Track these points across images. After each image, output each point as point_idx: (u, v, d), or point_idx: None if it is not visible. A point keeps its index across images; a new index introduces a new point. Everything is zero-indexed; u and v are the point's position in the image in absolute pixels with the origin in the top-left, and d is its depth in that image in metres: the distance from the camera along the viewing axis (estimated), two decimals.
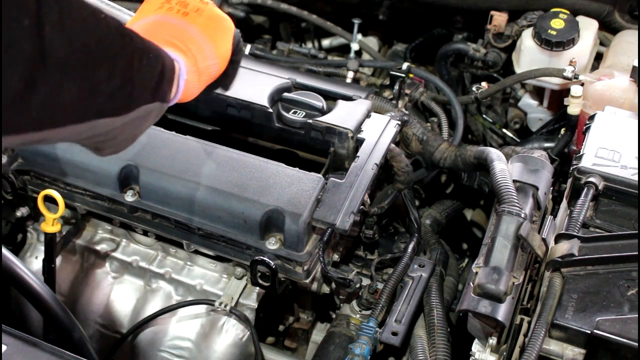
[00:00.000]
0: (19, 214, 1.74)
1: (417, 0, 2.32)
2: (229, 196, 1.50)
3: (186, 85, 1.07)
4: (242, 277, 1.65)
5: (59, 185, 1.65)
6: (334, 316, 1.78)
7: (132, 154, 1.57)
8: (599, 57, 2.08)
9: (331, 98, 1.78)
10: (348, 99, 1.78)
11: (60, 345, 1.20)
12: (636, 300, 1.22)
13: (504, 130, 2.30)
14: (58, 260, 1.65)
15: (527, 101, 2.23)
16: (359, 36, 2.32)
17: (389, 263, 1.74)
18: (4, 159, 1.67)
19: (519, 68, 2.07)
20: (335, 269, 1.62)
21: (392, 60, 2.33)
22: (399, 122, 1.73)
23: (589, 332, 1.18)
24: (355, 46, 2.29)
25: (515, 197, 1.40)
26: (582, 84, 1.86)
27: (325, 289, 1.63)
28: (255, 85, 1.76)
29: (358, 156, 1.61)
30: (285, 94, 1.75)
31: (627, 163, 1.45)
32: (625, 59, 1.94)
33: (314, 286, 1.60)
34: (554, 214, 1.59)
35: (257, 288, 1.64)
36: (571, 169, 1.49)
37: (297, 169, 1.55)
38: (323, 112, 1.71)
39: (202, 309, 1.66)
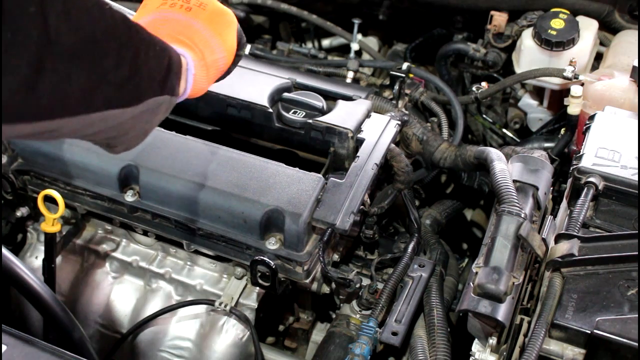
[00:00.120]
0: (19, 214, 1.74)
1: (417, 0, 2.32)
2: (229, 196, 1.50)
3: (195, 80, 1.08)
4: (242, 277, 1.65)
5: (59, 185, 1.65)
6: (334, 316, 1.78)
7: (132, 154, 1.57)
8: (599, 57, 2.08)
9: (331, 98, 1.79)
10: (348, 99, 1.78)
11: (60, 345, 1.20)
12: (636, 300, 1.22)
13: (504, 130, 2.30)
14: (58, 260, 1.65)
15: (527, 101, 2.23)
16: (359, 36, 2.32)
17: (389, 263, 1.74)
18: (4, 159, 1.67)
19: (519, 68, 2.07)
20: (335, 269, 1.62)
21: (392, 60, 2.33)
22: (399, 122, 1.73)
23: (589, 332, 1.18)
24: (355, 46, 2.29)
25: (515, 197, 1.40)
26: (582, 84, 1.86)
27: (325, 289, 1.63)
28: (255, 85, 1.76)
29: (358, 156, 1.61)
30: (285, 94, 1.75)
31: (627, 163, 1.45)
32: (625, 59, 1.94)
33: (314, 286, 1.60)
34: (554, 214, 1.59)
35: (257, 288, 1.64)
36: (571, 169, 1.49)
37: (297, 169, 1.55)
38: (323, 112, 1.71)
39: (202, 309, 1.66)
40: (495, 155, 1.58)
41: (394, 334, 1.51)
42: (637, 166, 1.44)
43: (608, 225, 1.39)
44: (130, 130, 0.97)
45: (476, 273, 1.31)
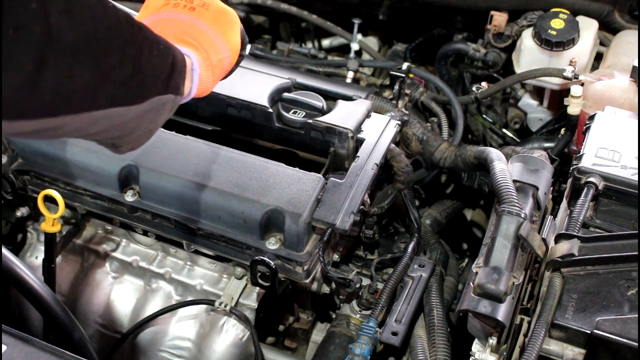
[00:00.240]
0: (19, 214, 1.74)
1: (417, 0, 2.32)
2: (229, 196, 1.50)
3: (200, 79, 1.08)
4: (242, 277, 1.65)
5: (59, 185, 1.65)
6: (334, 316, 1.78)
7: (132, 154, 1.56)
8: (599, 57, 2.08)
9: (331, 98, 1.79)
10: (348, 99, 1.78)
11: (60, 345, 1.20)
12: (636, 300, 1.22)
13: (504, 130, 2.30)
14: (58, 260, 1.65)
15: (527, 101, 2.23)
16: (359, 36, 2.32)
17: (389, 263, 1.74)
18: (4, 159, 1.67)
19: (519, 68, 2.07)
20: (335, 269, 1.62)
21: (392, 60, 2.33)
22: (399, 122, 1.73)
23: (589, 332, 1.18)
24: (355, 46, 2.29)
25: (515, 197, 1.40)
26: (582, 84, 1.86)
27: (325, 289, 1.63)
28: (255, 85, 1.76)
29: (358, 156, 1.61)
30: (285, 94, 1.75)
31: (627, 163, 1.45)
32: (625, 59, 1.94)
33: (314, 286, 1.60)
34: (554, 214, 1.59)
35: (257, 288, 1.64)
36: (571, 169, 1.49)
37: (297, 169, 1.55)
38: (323, 112, 1.71)
39: (202, 309, 1.66)
40: (495, 155, 1.58)
41: (394, 334, 1.51)
42: (637, 166, 1.44)
43: (608, 225, 1.39)
44: (135, 129, 0.97)
45: (476, 273, 1.31)
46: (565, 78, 1.88)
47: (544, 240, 1.36)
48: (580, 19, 2.04)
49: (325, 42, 2.68)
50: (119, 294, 1.73)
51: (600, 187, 1.41)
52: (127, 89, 0.88)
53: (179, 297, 1.70)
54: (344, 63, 2.18)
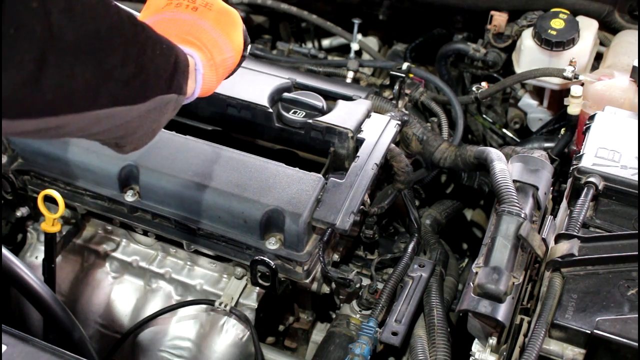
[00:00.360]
0: (19, 214, 1.74)
1: (417, 0, 2.32)
2: (229, 196, 1.50)
3: (204, 79, 1.08)
4: (242, 277, 1.65)
5: (59, 185, 1.65)
6: (334, 316, 1.78)
7: (132, 153, 1.57)
8: (599, 57, 2.08)
9: (331, 98, 1.79)
10: (348, 99, 1.78)
11: (60, 345, 1.20)
12: (636, 300, 1.22)
13: (504, 130, 2.30)
14: (58, 260, 1.65)
15: (527, 101, 2.23)
16: (359, 36, 2.32)
17: (389, 263, 1.74)
18: (4, 159, 1.67)
19: (519, 68, 2.07)
20: (335, 269, 1.62)
21: (392, 60, 2.33)
22: (399, 122, 1.74)
23: (589, 332, 1.18)
24: (355, 46, 2.29)
25: (515, 197, 1.40)
26: (582, 84, 1.86)
27: (325, 289, 1.63)
28: (255, 85, 1.76)
29: (358, 156, 1.61)
30: (285, 94, 1.75)
31: (627, 163, 1.45)
32: (625, 59, 1.94)
33: (314, 286, 1.60)
34: (554, 214, 1.59)
35: (257, 288, 1.64)
36: (571, 169, 1.49)
37: (297, 169, 1.55)
38: (323, 112, 1.71)
39: (202, 309, 1.66)
40: (495, 155, 1.58)
41: (394, 334, 1.51)
42: (637, 166, 1.44)
43: (608, 225, 1.39)
44: (138, 129, 0.97)
45: (476, 273, 1.31)
46: (565, 78, 1.88)
47: (544, 240, 1.36)
48: (580, 19, 2.04)
49: (325, 42, 2.68)
50: (119, 294, 1.73)
51: (600, 187, 1.41)
52: (129, 89, 0.88)
53: (179, 297, 1.70)
54: (344, 63, 2.19)
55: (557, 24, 1.99)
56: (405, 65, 1.99)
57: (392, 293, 1.61)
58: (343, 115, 1.68)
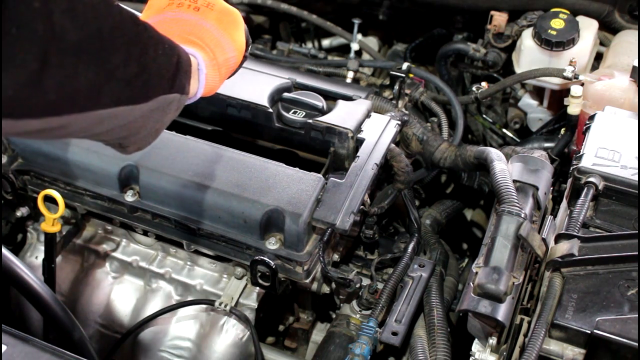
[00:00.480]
0: (19, 214, 1.74)
1: (417, 0, 2.32)
2: (229, 196, 1.50)
3: (207, 79, 1.08)
4: (242, 277, 1.65)
5: (59, 185, 1.65)
6: (334, 316, 1.78)
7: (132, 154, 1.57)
8: (599, 57, 2.08)
9: (331, 98, 1.79)
10: (348, 99, 1.78)
11: (60, 345, 1.20)
12: (636, 300, 1.22)
13: (504, 130, 2.30)
14: (58, 260, 1.65)
15: (527, 101, 2.23)
16: (359, 36, 2.32)
17: (389, 263, 1.74)
18: (4, 159, 1.67)
19: (519, 68, 2.07)
20: (335, 269, 1.62)
21: (392, 60, 2.33)
22: (399, 122, 1.74)
23: (589, 332, 1.18)
24: (355, 46, 2.29)
25: (515, 197, 1.40)
26: (582, 84, 1.86)
27: (325, 289, 1.63)
28: (255, 85, 1.76)
29: (358, 156, 1.61)
30: (285, 94, 1.75)
31: (627, 163, 1.45)
32: (625, 59, 1.94)
33: (314, 286, 1.60)
34: (554, 214, 1.59)
35: (257, 288, 1.64)
36: (571, 169, 1.49)
37: (297, 169, 1.55)
38: (323, 112, 1.71)
39: (202, 309, 1.66)
40: (495, 155, 1.58)
41: (394, 334, 1.51)
42: (637, 166, 1.44)
43: (608, 225, 1.39)
44: (141, 129, 0.97)
45: (476, 273, 1.31)
46: (565, 78, 1.88)
47: (544, 240, 1.36)
48: (580, 19, 2.04)
49: (325, 42, 2.68)
50: (119, 294, 1.73)
51: (600, 187, 1.41)
52: (132, 88, 0.88)
53: (179, 297, 1.70)
54: (344, 63, 2.19)
55: (557, 24, 1.99)
56: (405, 65, 2.00)
57: (392, 293, 1.61)
58: (343, 115, 1.68)
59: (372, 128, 1.68)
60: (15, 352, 1.14)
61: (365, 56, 2.43)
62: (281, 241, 1.51)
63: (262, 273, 1.50)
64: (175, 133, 1.63)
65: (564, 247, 1.30)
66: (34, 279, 1.32)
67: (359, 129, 1.66)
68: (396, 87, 1.92)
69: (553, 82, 2.03)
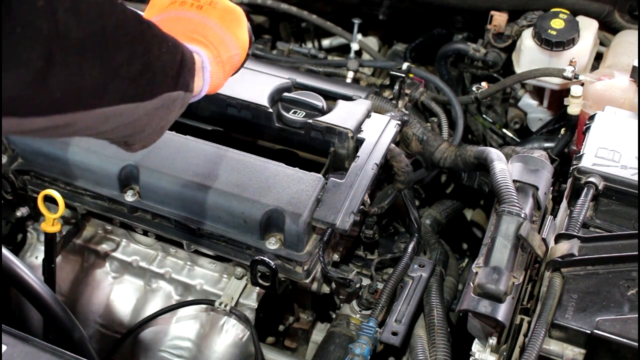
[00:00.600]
0: (19, 214, 1.74)
1: (417, 0, 2.32)
2: (229, 196, 1.50)
3: (212, 77, 1.09)
4: (242, 277, 1.65)
5: (59, 185, 1.65)
6: (334, 316, 1.78)
7: (132, 154, 1.57)
8: (599, 57, 2.08)
9: (331, 98, 1.79)
10: (348, 99, 1.78)
11: (60, 345, 1.20)
12: (636, 300, 1.22)
13: (504, 130, 2.30)
14: (58, 260, 1.65)
15: (527, 101, 2.23)
16: (359, 36, 2.32)
17: (389, 263, 1.74)
18: (4, 159, 1.67)
19: (519, 68, 2.07)
20: (335, 269, 1.62)
21: (392, 60, 2.33)
22: (399, 122, 1.73)
23: (589, 332, 1.18)
24: (355, 46, 2.29)
25: (515, 197, 1.40)
26: (582, 84, 1.86)
27: (325, 289, 1.63)
28: (255, 85, 1.76)
29: (358, 156, 1.61)
30: (285, 94, 1.75)
31: (627, 163, 1.45)
32: (625, 59, 1.94)
33: (314, 286, 1.60)
34: (554, 214, 1.59)
35: (257, 288, 1.64)
36: (571, 169, 1.49)
37: (297, 169, 1.55)
38: (323, 112, 1.71)
39: (202, 309, 1.66)
40: (495, 155, 1.58)
41: (394, 334, 1.51)
42: (637, 166, 1.44)
43: (608, 225, 1.39)
44: (146, 127, 0.98)
45: (476, 273, 1.31)
46: (565, 78, 1.88)
47: (544, 240, 1.36)
48: (580, 19, 2.04)
49: (325, 42, 2.68)
50: (119, 294, 1.73)
51: (600, 187, 1.41)
52: (136, 86, 0.89)
53: (179, 297, 1.70)
54: (344, 63, 2.19)
55: (557, 24, 1.99)
56: (405, 65, 2.00)
57: (392, 293, 1.61)
58: (343, 115, 1.68)
59: (372, 128, 1.68)
60: (15, 352, 1.14)
61: (365, 56, 2.43)
62: (281, 241, 1.51)
63: (262, 273, 1.50)
64: (175, 133, 1.63)
65: (564, 247, 1.30)
66: (34, 279, 1.32)
67: (359, 129, 1.66)
68: (396, 87, 1.92)
69: (553, 82, 2.03)
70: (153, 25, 0.92)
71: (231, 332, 1.63)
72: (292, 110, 1.72)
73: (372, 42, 2.55)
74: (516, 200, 1.39)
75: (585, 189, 1.41)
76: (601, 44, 2.13)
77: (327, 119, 1.67)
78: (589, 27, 2.04)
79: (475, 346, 1.34)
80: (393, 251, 1.77)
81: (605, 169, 1.44)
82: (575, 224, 1.35)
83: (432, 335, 1.52)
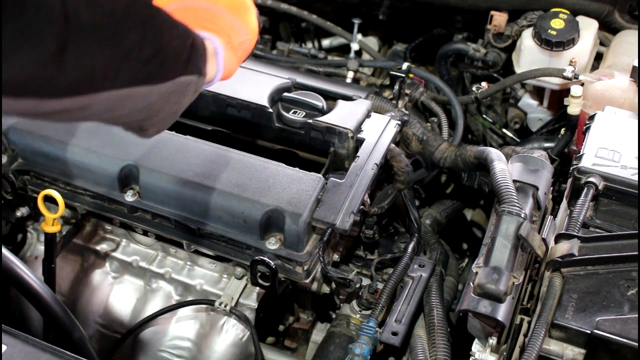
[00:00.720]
0: (19, 214, 1.74)
1: (417, 0, 2.32)
2: (229, 196, 1.50)
3: (225, 62, 1.10)
4: (242, 277, 1.65)
5: (59, 185, 1.65)
6: (334, 316, 1.78)
7: (132, 154, 1.58)
8: (599, 57, 2.08)
9: (331, 98, 1.79)
10: (348, 99, 1.78)
11: (60, 345, 1.20)
12: (636, 300, 1.22)
13: (504, 130, 2.30)
14: (58, 260, 1.65)
15: (527, 101, 2.23)
16: (359, 36, 2.32)
17: (389, 263, 1.74)
18: (4, 159, 1.67)
19: (519, 68, 2.07)
20: (335, 269, 1.62)
21: (392, 60, 2.33)
22: (399, 122, 1.73)
23: (589, 332, 1.18)
24: (355, 46, 2.29)
25: (515, 197, 1.40)
26: (582, 84, 1.86)
27: (325, 289, 1.63)
28: (255, 85, 1.76)
29: (358, 156, 1.61)
30: (285, 94, 1.75)
31: (627, 163, 1.45)
32: (625, 59, 1.94)
33: (314, 286, 1.60)
34: (554, 214, 1.59)
35: (257, 288, 1.64)
36: (571, 169, 1.49)
37: (297, 169, 1.55)
38: (323, 112, 1.71)
39: (202, 309, 1.66)
40: (495, 155, 1.58)
41: (394, 334, 1.51)
42: (637, 166, 1.44)
43: (608, 225, 1.39)
44: (160, 111, 0.99)
45: (476, 273, 1.31)
46: (565, 78, 1.88)
47: (544, 240, 1.36)
48: (580, 19, 2.04)
49: (325, 42, 2.68)
50: (119, 294, 1.73)
51: (600, 187, 1.41)
52: (148, 69, 0.90)
53: (179, 297, 1.70)
54: (344, 63, 2.19)
55: (557, 24, 1.99)
56: (405, 65, 2.00)
57: (392, 293, 1.61)
58: (343, 115, 1.68)
59: (372, 128, 1.68)
60: (15, 352, 1.14)
61: (365, 56, 2.43)
62: (281, 241, 1.51)
63: (262, 273, 1.50)
64: (175, 133, 1.63)
65: (564, 247, 1.30)
66: (34, 279, 1.32)
67: (359, 129, 1.66)
68: (396, 87, 1.93)
69: (553, 82, 2.03)
70: (162, 10, 0.94)
71: (231, 332, 1.63)
72: (292, 110, 1.72)
73: (372, 42, 2.55)
74: (516, 200, 1.39)
75: (585, 189, 1.41)
76: (601, 44, 2.13)
77: (327, 119, 1.67)
78: (589, 27, 2.04)
79: (475, 346, 1.34)
80: (393, 251, 1.77)
81: (605, 169, 1.44)
82: (575, 224, 1.35)
83: (432, 335, 1.52)
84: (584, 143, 1.52)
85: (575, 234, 1.32)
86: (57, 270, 1.60)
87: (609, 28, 2.14)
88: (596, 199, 1.42)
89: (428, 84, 2.16)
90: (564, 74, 1.88)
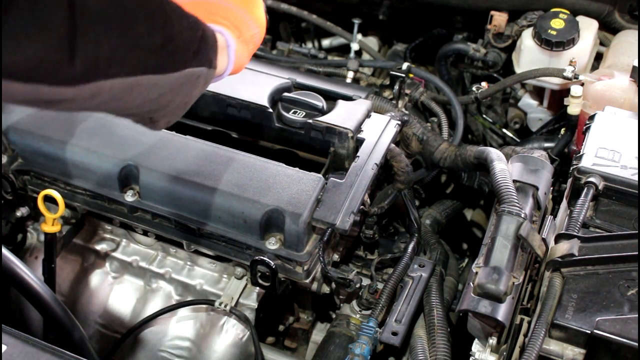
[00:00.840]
0: (19, 214, 1.74)
1: (417, 0, 2.32)
2: (229, 196, 1.50)
3: (236, 55, 1.11)
4: (242, 277, 1.65)
5: (59, 185, 1.65)
6: (334, 316, 1.78)
7: (132, 154, 1.58)
8: (599, 57, 2.08)
9: (331, 98, 1.79)
10: (348, 99, 1.78)
11: (60, 345, 1.20)
12: (636, 300, 1.22)
13: (504, 130, 2.30)
14: (58, 260, 1.65)
15: (527, 101, 2.23)
16: (359, 36, 2.32)
17: (389, 263, 1.74)
18: (4, 159, 1.67)
19: (519, 68, 2.07)
20: (335, 269, 1.62)
21: (392, 60, 2.33)
22: (399, 122, 1.74)
23: (589, 332, 1.18)
24: (355, 46, 2.29)
25: (515, 197, 1.40)
26: (582, 84, 1.86)
27: (325, 289, 1.63)
28: (255, 85, 1.76)
29: (358, 156, 1.61)
30: (285, 94, 1.75)
31: (627, 163, 1.45)
32: (625, 59, 1.94)
33: (314, 286, 1.60)
34: (554, 214, 1.59)
35: (257, 288, 1.64)
36: (571, 169, 1.49)
37: (297, 169, 1.55)
38: (323, 112, 1.71)
39: (202, 309, 1.66)
40: (495, 155, 1.58)
41: (394, 334, 1.51)
42: (637, 166, 1.44)
43: (608, 225, 1.39)
44: (171, 102, 1.00)
45: (476, 273, 1.31)
46: (565, 78, 1.88)
47: (544, 240, 1.36)
48: (580, 19, 2.04)
49: (325, 42, 2.68)
50: (119, 294, 1.73)
51: (600, 187, 1.41)
52: (157, 58, 0.91)
53: (179, 297, 1.70)
54: (344, 63, 2.19)
55: (557, 24, 1.99)
56: (405, 65, 2.00)
57: (392, 293, 1.61)
58: (343, 115, 1.68)
59: (372, 128, 1.68)
60: (15, 352, 1.14)
61: (365, 56, 2.43)
62: (281, 241, 1.51)
63: (262, 273, 1.50)
64: (175, 133, 1.63)
65: (564, 247, 1.30)
66: (34, 279, 1.32)
67: (359, 129, 1.66)
68: (396, 87, 1.93)
69: (553, 82, 2.03)
70: (173, 2, 0.94)
71: (231, 332, 1.63)
72: (292, 110, 1.72)
73: (372, 42, 2.55)
74: (516, 200, 1.39)
75: (585, 189, 1.41)
76: (601, 44, 2.13)
77: (327, 119, 1.67)
78: (589, 27, 2.04)
79: (475, 346, 1.34)
80: (393, 251, 1.77)
81: (605, 169, 1.44)
82: (575, 224, 1.35)
83: (432, 335, 1.52)
84: (584, 143, 1.52)
85: (575, 234, 1.32)
86: (57, 270, 1.61)
87: (609, 28, 2.14)
88: (596, 199, 1.42)
89: (428, 84, 2.16)
90: (564, 74, 1.88)
